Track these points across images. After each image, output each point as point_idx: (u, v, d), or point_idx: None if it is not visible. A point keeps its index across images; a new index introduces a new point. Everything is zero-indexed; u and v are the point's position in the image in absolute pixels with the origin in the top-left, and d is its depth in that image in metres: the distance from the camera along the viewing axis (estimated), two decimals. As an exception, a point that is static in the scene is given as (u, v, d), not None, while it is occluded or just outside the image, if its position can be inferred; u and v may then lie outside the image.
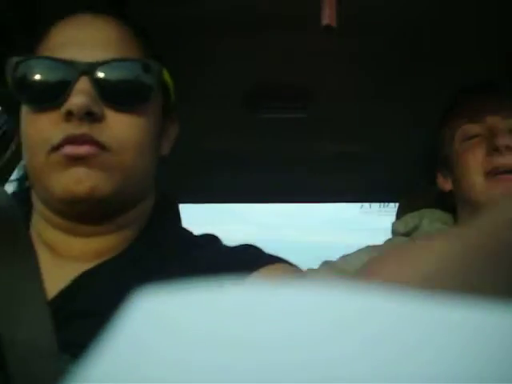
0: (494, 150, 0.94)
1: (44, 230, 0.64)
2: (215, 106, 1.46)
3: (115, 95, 0.61)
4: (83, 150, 0.57)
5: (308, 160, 1.89)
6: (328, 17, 0.48)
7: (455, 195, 1.05)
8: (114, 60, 0.61)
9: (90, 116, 0.58)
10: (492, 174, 0.94)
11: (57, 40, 0.62)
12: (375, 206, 2.65)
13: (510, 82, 1.05)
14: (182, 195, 0.93)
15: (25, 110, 0.62)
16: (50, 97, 0.59)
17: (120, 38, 0.64)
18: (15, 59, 0.61)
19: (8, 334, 0.49)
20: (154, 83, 0.64)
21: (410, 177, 1.88)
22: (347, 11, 0.50)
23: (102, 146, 0.59)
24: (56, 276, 0.59)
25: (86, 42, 0.61)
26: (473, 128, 0.98)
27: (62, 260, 0.62)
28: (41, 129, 0.59)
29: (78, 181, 0.57)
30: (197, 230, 0.72)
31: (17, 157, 1.42)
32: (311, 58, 1.19)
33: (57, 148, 0.58)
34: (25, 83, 0.61)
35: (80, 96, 0.58)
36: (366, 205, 2.75)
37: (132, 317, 0.14)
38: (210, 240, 0.71)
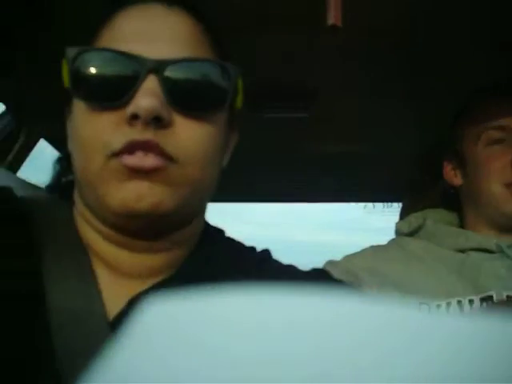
0: None
1: (94, 240, 0.57)
2: None
3: (186, 99, 0.53)
4: (149, 162, 0.50)
5: (310, 160, 1.89)
6: (334, 17, 0.49)
7: (464, 193, 1.04)
8: (188, 59, 0.53)
9: (158, 121, 0.51)
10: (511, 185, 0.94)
11: (122, 31, 0.55)
12: (379, 205, 2.64)
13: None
14: None
15: (80, 107, 0.54)
16: (113, 95, 0.52)
17: (194, 34, 0.56)
18: (74, 50, 0.53)
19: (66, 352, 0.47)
20: (230, 89, 0.56)
21: (414, 176, 1.88)
22: (349, 12, 0.50)
23: (168, 157, 0.52)
24: (112, 293, 0.54)
25: (156, 36, 0.54)
26: (497, 133, 0.97)
27: (115, 275, 0.56)
28: (100, 130, 0.52)
29: (140, 197, 0.50)
30: None
31: (26, 150, 1.43)
32: (312, 57, 1.19)
33: (117, 154, 0.50)
34: (84, 78, 0.53)
35: (148, 97, 0.50)
36: (370, 205, 2.74)
37: (141, 323, 0.14)
38: (263, 255, 0.66)
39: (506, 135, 0.96)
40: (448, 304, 0.89)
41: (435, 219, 1.06)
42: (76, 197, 0.59)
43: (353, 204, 2.61)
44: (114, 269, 0.56)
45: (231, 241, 0.67)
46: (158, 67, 0.51)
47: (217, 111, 0.56)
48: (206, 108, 0.55)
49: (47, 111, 1.29)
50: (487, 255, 0.95)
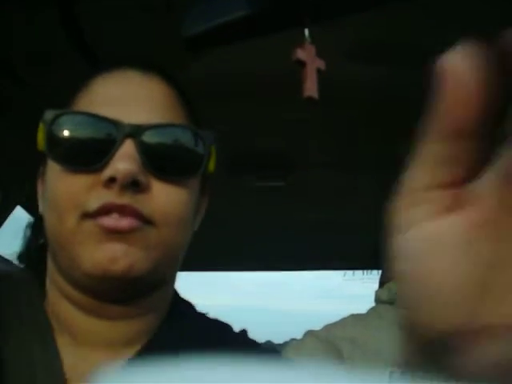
0: None
1: (62, 309, 0.55)
2: None
3: (163, 164, 0.54)
4: (125, 223, 0.50)
5: (290, 228, 1.90)
6: (310, 89, 0.50)
7: None
8: (164, 125, 0.54)
9: (135, 185, 0.50)
10: None
11: (99, 95, 0.56)
12: (359, 273, 2.64)
13: None
14: None
15: (55, 169, 0.53)
16: (90, 158, 0.52)
17: (169, 100, 0.57)
18: (52, 112, 0.54)
19: None
20: (204, 154, 0.57)
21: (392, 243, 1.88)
22: (324, 83, 0.52)
23: (144, 219, 0.51)
24: (79, 368, 0.52)
25: (133, 101, 0.55)
26: None
27: (83, 348, 0.54)
28: (75, 191, 0.51)
29: (114, 259, 0.49)
30: (185, 297, 0.70)
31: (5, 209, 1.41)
32: (287, 128, 1.22)
33: (92, 215, 0.50)
34: (61, 140, 0.54)
35: (126, 161, 0.50)
36: (349, 272, 2.73)
37: None
38: (223, 328, 0.65)
39: None
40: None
41: (414, 286, 1.06)
42: (48, 261, 0.58)
43: (332, 272, 2.60)
44: (83, 339, 0.54)
45: (204, 316, 0.65)
46: (135, 132, 0.52)
47: (192, 176, 0.56)
48: (182, 173, 0.55)
49: (23, 176, 1.29)
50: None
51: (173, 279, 0.62)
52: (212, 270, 2.45)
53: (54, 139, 0.54)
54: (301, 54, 0.50)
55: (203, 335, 0.59)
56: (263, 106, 1.12)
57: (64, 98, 0.59)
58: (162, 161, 0.53)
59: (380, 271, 1.37)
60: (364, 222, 1.84)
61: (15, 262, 0.65)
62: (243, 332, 0.65)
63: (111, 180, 0.50)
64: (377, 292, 1.10)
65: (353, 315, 1.05)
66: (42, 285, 0.58)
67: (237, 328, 0.66)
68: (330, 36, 0.74)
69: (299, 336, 1.05)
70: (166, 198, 0.53)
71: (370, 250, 2.03)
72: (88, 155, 0.52)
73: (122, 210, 0.50)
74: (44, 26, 0.84)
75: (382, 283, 1.24)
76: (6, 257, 0.71)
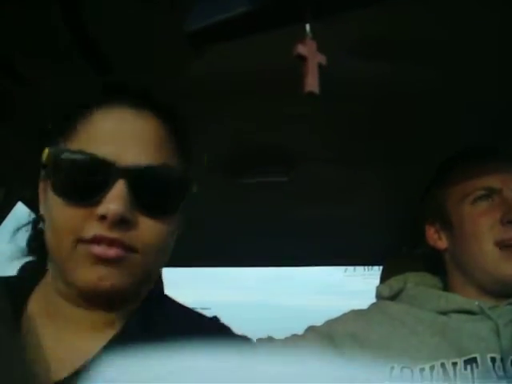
0: (508, 222, 0.93)
1: (54, 301, 0.66)
2: (199, 172, 1.48)
3: (149, 203, 0.62)
4: (112, 252, 0.59)
5: (292, 224, 1.90)
6: (311, 84, 0.50)
7: (451, 256, 1.03)
8: (153, 166, 0.62)
9: (123, 223, 0.60)
10: (503, 244, 0.93)
11: (97, 131, 0.63)
12: (360, 269, 2.64)
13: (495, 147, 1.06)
14: (170, 259, 0.94)
15: (55, 199, 0.62)
16: (86, 195, 0.60)
17: (160, 138, 0.65)
18: (53, 150, 0.63)
19: None
20: (185, 195, 0.67)
21: (394, 240, 1.89)
22: (325, 78, 0.52)
23: (130, 249, 0.61)
24: (60, 349, 0.63)
25: (127, 141, 0.62)
26: (482, 192, 0.97)
27: (65, 333, 0.65)
28: (72, 221, 0.60)
29: (101, 278, 0.60)
30: (186, 294, 0.75)
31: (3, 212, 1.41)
32: (289, 123, 1.22)
33: (85, 241, 0.60)
34: (60, 176, 0.62)
35: (116, 202, 0.59)
36: (351, 268, 2.74)
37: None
38: (193, 315, 0.74)
39: (492, 194, 0.97)
40: (431, 367, 0.87)
41: (416, 282, 1.06)
42: (50, 266, 0.68)
43: (334, 267, 2.60)
44: (64, 325, 0.65)
45: (179, 306, 0.75)
46: (126, 174, 0.60)
47: (174, 212, 0.66)
48: (166, 211, 0.65)
49: (24, 172, 1.29)
50: (469, 317, 0.94)
51: (148, 288, 0.72)
52: (213, 266, 2.45)
53: (55, 174, 0.62)
54: (302, 49, 0.50)
55: (171, 321, 0.68)
56: (264, 101, 1.12)
57: (64, 96, 0.61)
58: (149, 200, 0.62)
59: (381, 267, 1.37)
60: (366, 217, 1.84)
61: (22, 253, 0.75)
62: (214, 318, 0.74)
63: (103, 217, 0.59)
64: (378, 288, 1.10)
65: (354, 311, 1.05)
66: (43, 271, 0.69)
67: (238, 324, 0.69)
68: (332, 31, 0.74)
69: (300, 332, 1.05)
70: (150, 232, 0.62)
71: (372, 246, 2.04)
72: (85, 192, 0.60)
73: (111, 243, 0.59)
74: (45, 23, 0.84)
75: (382, 279, 1.24)
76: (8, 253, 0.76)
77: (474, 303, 0.95)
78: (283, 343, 1.03)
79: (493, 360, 0.87)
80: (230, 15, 0.50)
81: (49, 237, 0.63)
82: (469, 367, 0.87)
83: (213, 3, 0.52)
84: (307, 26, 0.51)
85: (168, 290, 1.24)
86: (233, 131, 1.27)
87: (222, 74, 1.00)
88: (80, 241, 0.60)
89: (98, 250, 0.59)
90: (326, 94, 0.50)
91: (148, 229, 0.62)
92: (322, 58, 0.51)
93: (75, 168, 0.61)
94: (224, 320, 0.75)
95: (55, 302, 0.66)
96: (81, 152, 0.61)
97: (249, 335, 0.88)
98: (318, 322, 1.04)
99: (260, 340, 1.04)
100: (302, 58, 0.50)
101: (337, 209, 1.77)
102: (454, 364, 0.88)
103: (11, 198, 1.44)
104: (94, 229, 0.59)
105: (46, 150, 0.63)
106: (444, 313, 0.96)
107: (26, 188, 1.34)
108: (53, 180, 0.63)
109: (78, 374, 0.60)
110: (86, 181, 0.61)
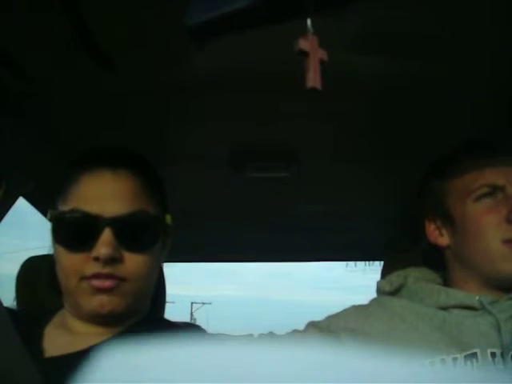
0: None
1: (71, 320, 0.86)
2: (200, 168, 1.48)
3: (132, 242, 0.81)
4: (108, 283, 0.79)
5: (293, 219, 1.90)
6: (312, 80, 0.50)
7: (453, 252, 1.02)
8: (131, 213, 0.81)
9: (113, 261, 0.79)
10: (509, 242, 0.93)
11: (85, 192, 0.82)
12: (361, 264, 2.64)
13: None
14: (172, 254, 0.97)
15: (59, 248, 0.83)
16: (81, 244, 0.80)
17: (136, 191, 0.84)
18: (53, 212, 0.84)
19: None
20: (161, 232, 0.87)
21: (395, 235, 1.89)
22: (327, 74, 0.52)
23: (120, 279, 0.80)
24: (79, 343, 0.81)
25: (107, 197, 0.82)
26: (486, 189, 0.96)
27: (73, 336, 0.84)
28: (73, 263, 0.81)
29: (102, 305, 0.80)
30: (187, 289, 0.78)
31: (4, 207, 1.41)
32: (291, 118, 1.22)
33: (86, 278, 0.80)
34: (60, 230, 0.84)
35: (105, 246, 0.78)
36: (352, 263, 2.74)
37: (100, 366, 0.18)
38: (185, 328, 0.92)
39: (496, 191, 0.96)
40: (431, 363, 0.87)
41: (417, 277, 1.06)
42: (64, 296, 0.87)
43: (335, 262, 2.60)
44: (80, 333, 0.84)
45: (169, 322, 0.93)
46: (111, 223, 0.80)
47: (154, 245, 0.85)
48: (146, 246, 0.84)
49: (25, 166, 1.29)
50: (469, 312, 0.94)
51: (145, 307, 0.91)
52: (214, 261, 2.46)
53: (57, 230, 0.84)
54: (304, 44, 0.50)
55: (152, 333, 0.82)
56: (264, 96, 1.12)
57: (64, 93, 0.63)
58: (131, 239, 0.81)
59: (382, 262, 1.37)
60: (366, 213, 1.84)
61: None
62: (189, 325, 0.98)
63: (97, 258, 0.79)
64: (378, 283, 1.10)
65: (354, 306, 1.05)
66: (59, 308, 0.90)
67: (239, 319, 0.71)
68: (332, 26, 0.73)
69: (301, 327, 1.05)
70: (135, 263, 0.82)
71: (373, 241, 2.04)
72: (81, 241, 0.81)
73: (106, 277, 0.79)
74: (46, 16, 0.84)
75: (383, 274, 1.24)
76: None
77: (475, 298, 0.95)
78: (284, 339, 1.03)
79: (493, 355, 0.87)
80: (231, 9, 0.50)
81: (60, 276, 0.84)
82: (469, 362, 0.87)
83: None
84: (308, 21, 0.51)
85: (169, 286, 1.24)
86: (232, 127, 1.27)
87: (221, 67, 1.00)
88: (82, 278, 0.80)
89: (97, 283, 0.79)
90: (326, 90, 0.50)
91: (133, 261, 0.81)
92: (323, 54, 0.51)
93: (71, 224, 0.82)
94: (225, 315, 0.80)
95: (69, 320, 0.86)
96: (74, 210, 0.81)
97: (250, 330, 0.88)
98: (319, 317, 1.04)
99: (261, 336, 1.04)
100: (304, 54, 0.50)
101: (337, 204, 1.77)
102: (455, 359, 0.88)
103: (12, 193, 1.44)
104: (92, 268, 0.79)
105: (49, 212, 0.85)
106: (444, 308, 0.96)
107: (27, 183, 1.34)
108: (56, 234, 0.83)
109: (73, 355, 0.77)
110: (81, 232, 0.81)
